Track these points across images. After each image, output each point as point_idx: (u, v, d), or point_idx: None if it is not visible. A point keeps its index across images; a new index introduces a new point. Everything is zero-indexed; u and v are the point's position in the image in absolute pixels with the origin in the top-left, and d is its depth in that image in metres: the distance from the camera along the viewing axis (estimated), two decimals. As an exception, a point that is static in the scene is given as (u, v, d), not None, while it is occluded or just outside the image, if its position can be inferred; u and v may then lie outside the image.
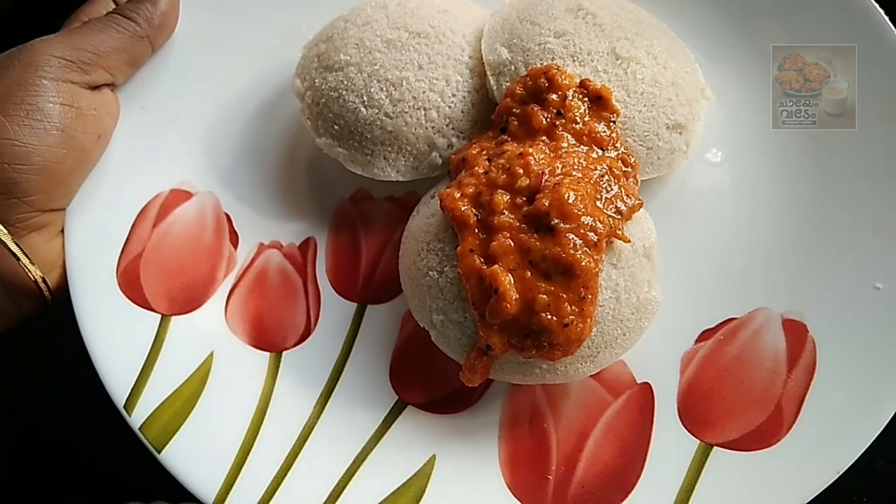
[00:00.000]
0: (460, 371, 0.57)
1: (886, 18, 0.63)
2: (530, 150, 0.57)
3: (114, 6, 0.68)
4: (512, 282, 0.53)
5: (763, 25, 0.67)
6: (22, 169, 0.58)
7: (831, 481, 0.54)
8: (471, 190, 0.56)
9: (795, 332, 0.59)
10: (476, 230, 0.55)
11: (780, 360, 0.59)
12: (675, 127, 0.61)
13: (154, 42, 0.67)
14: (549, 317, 0.52)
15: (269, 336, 0.63)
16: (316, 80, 0.64)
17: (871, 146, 0.62)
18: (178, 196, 0.67)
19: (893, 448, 0.57)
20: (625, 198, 0.56)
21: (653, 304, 0.57)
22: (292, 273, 0.66)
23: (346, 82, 0.62)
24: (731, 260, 0.63)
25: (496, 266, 0.53)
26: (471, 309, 0.55)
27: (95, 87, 0.64)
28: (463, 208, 0.56)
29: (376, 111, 0.62)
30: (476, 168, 0.58)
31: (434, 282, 0.57)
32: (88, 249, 0.63)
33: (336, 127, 0.63)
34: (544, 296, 0.52)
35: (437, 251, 0.58)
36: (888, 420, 0.55)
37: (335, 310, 0.64)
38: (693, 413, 0.58)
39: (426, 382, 0.62)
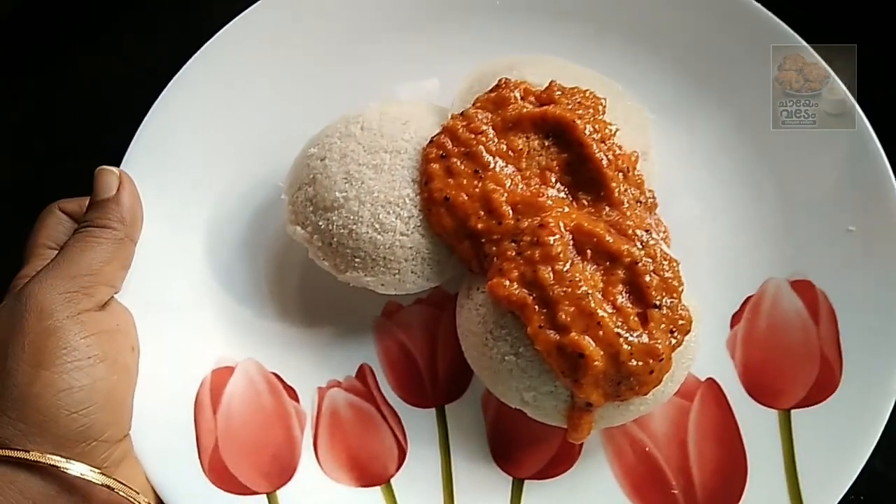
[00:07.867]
0: (566, 433, 0.61)
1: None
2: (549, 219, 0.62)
3: (66, 220, 0.67)
4: (592, 342, 0.58)
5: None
6: (89, 411, 0.58)
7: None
8: (515, 274, 0.61)
9: (805, 290, 0.68)
10: (536, 308, 0.60)
11: (805, 317, 0.67)
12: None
13: (133, 238, 0.67)
14: (636, 362, 0.58)
15: (370, 471, 0.65)
16: (319, 223, 0.66)
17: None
18: (222, 375, 0.67)
19: (892, 449, 0.63)
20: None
21: (696, 311, 0.64)
22: (362, 404, 0.68)
23: (352, 217, 0.65)
24: (730, 248, 0.70)
25: (572, 334, 0.58)
26: (561, 378, 0.59)
27: (105, 305, 0.63)
28: (517, 292, 0.60)
29: (392, 234, 0.65)
30: (507, 252, 0.62)
31: (514, 365, 0.61)
32: (166, 462, 0.63)
33: (357, 260, 0.65)
34: (626, 346, 0.58)
35: (503, 338, 0.61)
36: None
37: (418, 422, 0.67)
38: (759, 388, 0.66)
39: (528, 454, 0.66)
